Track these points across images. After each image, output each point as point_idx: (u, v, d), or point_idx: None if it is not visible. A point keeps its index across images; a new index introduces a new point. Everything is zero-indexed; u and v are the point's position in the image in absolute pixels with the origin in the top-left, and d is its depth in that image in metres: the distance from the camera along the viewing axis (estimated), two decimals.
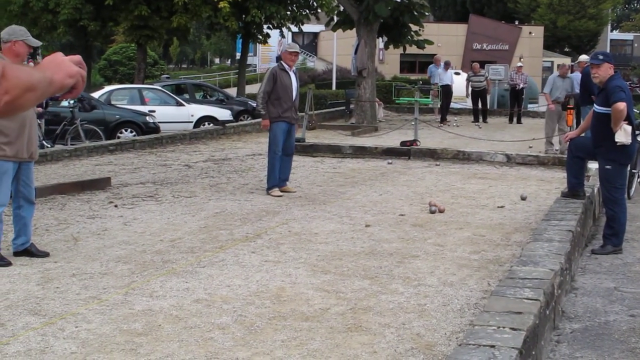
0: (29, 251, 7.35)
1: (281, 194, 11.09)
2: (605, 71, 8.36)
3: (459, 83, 28.47)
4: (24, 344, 5.05)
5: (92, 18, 32.22)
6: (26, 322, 5.47)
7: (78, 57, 2.28)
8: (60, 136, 17.36)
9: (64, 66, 2.20)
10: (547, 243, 6.81)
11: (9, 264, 7.03)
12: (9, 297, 6.08)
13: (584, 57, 16.11)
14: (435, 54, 29.37)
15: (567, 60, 36.88)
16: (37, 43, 7.33)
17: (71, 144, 16.73)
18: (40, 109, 14.15)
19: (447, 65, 26.54)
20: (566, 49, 63.16)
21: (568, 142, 9.34)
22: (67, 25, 32.90)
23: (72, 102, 17.61)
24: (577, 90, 16.15)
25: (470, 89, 26.61)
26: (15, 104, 1.99)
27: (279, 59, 11.78)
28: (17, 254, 7.31)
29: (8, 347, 4.99)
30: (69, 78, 2.21)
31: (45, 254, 7.38)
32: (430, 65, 27.40)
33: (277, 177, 11.24)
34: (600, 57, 8.50)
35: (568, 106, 16.00)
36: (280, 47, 66.12)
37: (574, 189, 9.16)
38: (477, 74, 26.66)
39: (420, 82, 28.56)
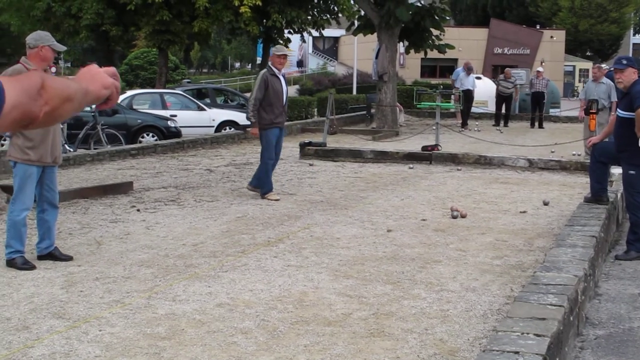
0: (52, 255, 7.39)
1: (278, 197, 11.08)
2: (629, 76, 8.31)
3: (480, 87, 28.34)
4: (48, 347, 5.08)
5: (114, 23, 32.39)
6: (50, 325, 5.50)
7: (112, 69, 2.33)
8: (83, 140, 17.46)
9: (99, 78, 2.26)
10: (570, 249, 6.78)
11: (33, 267, 7.07)
12: (33, 300, 6.12)
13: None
14: (457, 58, 29.31)
15: (588, 64, 36.62)
16: (62, 48, 7.39)
17: (94, 148, 16.83)
18: None
19: (470, 70, 26.48)
20: (588, 53, 62.84)
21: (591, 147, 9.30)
22: (89, 30, 33.10)
23: (93, 106, 17.72)
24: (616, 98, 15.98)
25: (496, 92, 26.52)
26: (54, 114, 2.04)
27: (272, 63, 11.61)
28: (41, 257, 7.36)
29: (33, 350, 5.03)
30: (103, 89, 2.27)
31: (68, 258, 7.42)
32: (458, 69, 27.36)
33: (272, 181, 11.26)
34: (624, 61, 8.45)
35: (591, 111, 15.89)
36: (301, 51, 66.34)
37: (597, 194, 9.10)
38: (508, 79, 26.60)
39: (441, 86, 28.47)
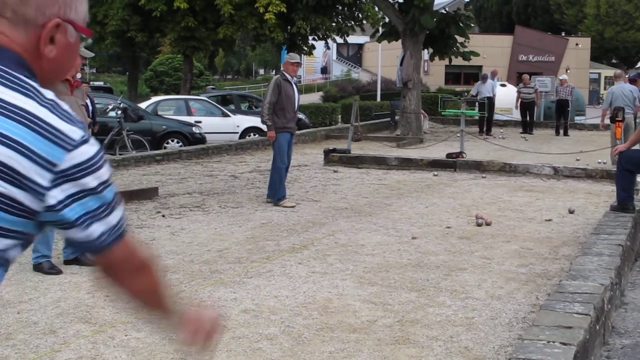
0: (79, 260, 7.44)
1: (294, 204, 11.10)
2: None
3: (503, 94, 28.22)
4: (75, 351, 5.12)
5: (139, 29, 32.61)
6: (77, 329, 5.54)
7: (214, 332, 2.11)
8: (108, 146, 17.58)
9: (201, 329, 2.07)
10: (596, 257, 6.74)
11: (59, 272, 7.13)
12: (60, 304, 6.17)
13: None
14: (481, 65, 29.27)
15: (613, 72, 36.46)
16: (90, 54, 7.45)
17: (119, 154, 16.94)
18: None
19: (485, 78, 26.48)
20: (614, 61, 62.51)
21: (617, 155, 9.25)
22: (115, 36, 33.34)
23: (118, 112, 17.85)
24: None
25: (519, 100, 26.40)
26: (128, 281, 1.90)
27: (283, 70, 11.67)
28: (67, 262, 7.41)
29: (60, 354, 5.07)
30: (192, 338, 2.09)
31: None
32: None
33: (285, 188, 11.28)
34: None
35: (617, 119, 15.78)
36: (325, 58, 66.41)
37: (624, 203, 9.05)
38: (527, 85, 26.49)
39: (466, 93, 28.45)
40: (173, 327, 2.08)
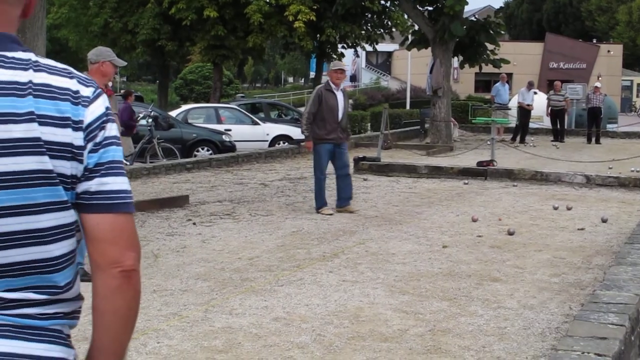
0: None
1: (332, 212, 11.08)
2: None
3: (535, 102, 28.07)
4: None
5: (169, 38, 32.88)
6: None
7: None
8: (139, 154, 17.69)
9: None
10: (630, 267, 6.67)
11: (86, 275, 7.15)
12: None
13: None
14: (512, 73, 29.20)
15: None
16: (122, 63, 7.52)
17: (150, 162, 17.04)
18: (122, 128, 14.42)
19: (503, 79, 26.47)
20: None
21: None
22: (146, 45, 33.64)
23: (149, 120, 17.97)
24: None
25: (549, 108, 26.26)
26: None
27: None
28: None
29: None
30: None
31: None
32: (497, 84, 27.27)
33: (325, 197, 11.24)
34: None
35: None
36: (355, 66, 66.53)
37: None
38: (557, 92, 26.32)
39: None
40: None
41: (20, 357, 1.69)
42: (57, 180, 1.69)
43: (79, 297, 1.87)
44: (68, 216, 1.73)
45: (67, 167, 1.70)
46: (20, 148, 1.65)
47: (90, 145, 1.73)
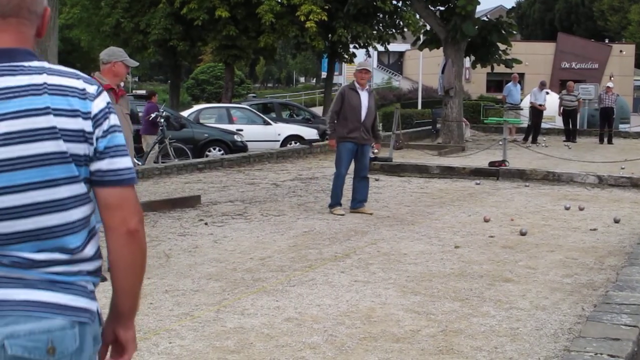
0: None
1: (343, 212, 11.08)
2: None
3: (547, 103, 28.00)
4: None
5: (181, 38, 32.91)
6: None
7: None
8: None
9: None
10: None
11: (104, 279, 7.13)
12: (104, 312, 6.18)
13: None
14: (524, 73, 29.12)
15: None
16: (134, 64, 7.53)
17: (162, 162, 17.07)
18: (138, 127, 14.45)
19: (515, 79, 26.42)
20: None
21: None
22: (157, 45, 33.69)
23: (161, 120, 18.01)
24: None
25: (562, 107, 26.17)
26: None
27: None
28: None
29: None
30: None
31: None
32: (509, 84, 27.19)
33: (340, 196, 11.25)
34: None
35: None
36: None
37: None
38: (570, 92, 26.23)
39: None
40: (108, 335, 2.39)
41: (55, 306, 2.09)
42: (70, 159, 2.09)
43: (98, 256, 2.24)
44: (80, 188, 2.14)
45: (80, 148, 2.11)
46: (42, 135, 2.05)
47: (98, 132, 2.14)
